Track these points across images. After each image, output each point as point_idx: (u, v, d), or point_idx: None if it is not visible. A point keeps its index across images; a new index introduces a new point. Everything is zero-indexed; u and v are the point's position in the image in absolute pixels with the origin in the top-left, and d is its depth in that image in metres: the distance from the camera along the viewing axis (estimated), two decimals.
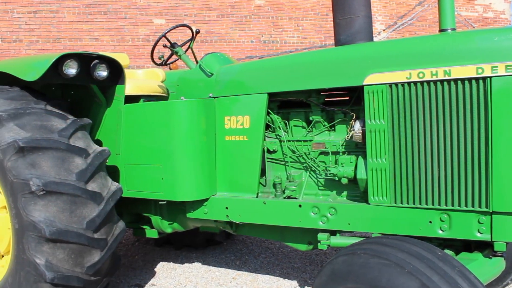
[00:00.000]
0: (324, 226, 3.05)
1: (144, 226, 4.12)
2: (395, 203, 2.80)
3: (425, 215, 2.71)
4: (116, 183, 3.49)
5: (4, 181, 3.15)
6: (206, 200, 3.49)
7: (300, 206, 3.13)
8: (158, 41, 3.96)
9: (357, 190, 3.08)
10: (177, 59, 4.21)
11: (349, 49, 3.01)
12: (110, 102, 3.74)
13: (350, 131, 3.06)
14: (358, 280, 2.26)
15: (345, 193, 3.17)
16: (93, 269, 3.17)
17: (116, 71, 3.65)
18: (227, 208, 3.41)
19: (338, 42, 3.15)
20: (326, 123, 3.26)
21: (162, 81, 4.49)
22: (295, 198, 3.26)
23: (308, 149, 3.29)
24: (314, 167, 3.27)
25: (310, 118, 3.30)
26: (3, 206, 3.37)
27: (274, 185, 3.34)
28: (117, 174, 3.69)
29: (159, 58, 4.16)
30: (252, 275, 4.47)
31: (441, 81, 2.58)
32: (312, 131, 3.33)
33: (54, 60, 3.21)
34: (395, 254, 2.25)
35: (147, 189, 3.57)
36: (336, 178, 3.07)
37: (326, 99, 3.31)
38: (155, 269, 4.71)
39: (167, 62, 4.24)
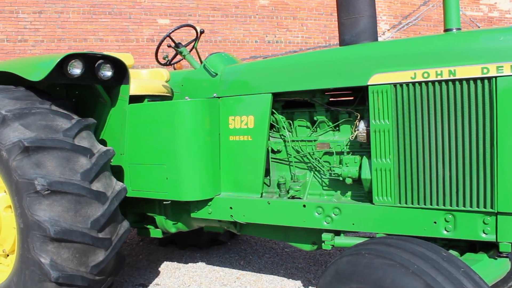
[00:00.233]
0: (328, 226, 3.05)
1: (149, 226, 4.13)
2: (400, 203, 2.79)
3: (430, 216, 2.70)
4: (121, 183, 3.50)
5: (9, 180, 3.16)
6: (210, 200, 3.49)
7: (304, 206, 3.13)
8: (162, 41, 3.96)
9: (361, 190, 3.07)
10: (182, 59, 4.21)
11: (353, 49, 3.00)
12: (114, 102, 3.75)
13: (355, 131, 3.05)
14: (363, 281, 2.26)
15: (349, 193, 3.16)
16: (98, 268, 3.18)
17: (121, 71, 3.65)
18: (231, 208, 3.41)
19: (342, 42, 3.14)
20: (330, 123, 3.26)
21: (166, 81, 4.50)
22: (299, 198, 3.26)
23: (313, 149, 3.29)
24: (319, 167, 3.26)
25: (315, 118, 3.30)
26: (8, 206, 3.39)
27: (278, 185, 3.34)
28: (122, 174, 3.70)
29: (164, 58, 4.16)
30: (256, 275, 4.47)
31: (446, 81, 2.57)
32: (316, 131, 3.33)
33: (59, 60, 3.22)
34: (400, 255, 2.25)
35: (151, 189, 3.58)
36: (341, 178, 3.07)
37: (330, 99, 3.31)
38: (159, 269, 4.72)
39: (172, 62, 4.24)
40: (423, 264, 2.17)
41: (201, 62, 3.78)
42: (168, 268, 4.73)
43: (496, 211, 2.50)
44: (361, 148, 3.10)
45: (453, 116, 2.57)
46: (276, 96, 3.31)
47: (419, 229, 2.73)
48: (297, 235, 3.41)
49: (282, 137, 3.41)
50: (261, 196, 3.36)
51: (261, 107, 3.32)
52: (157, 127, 3.50)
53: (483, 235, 2.56)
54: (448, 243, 2.80)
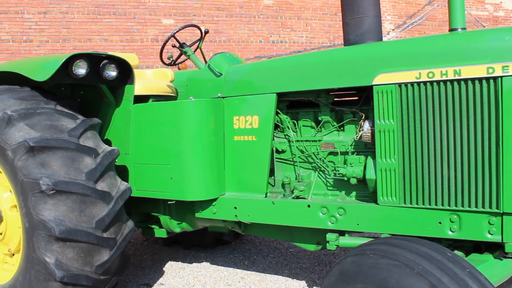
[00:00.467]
0: (333, 226, 3.05)
1: (153, 226, 4.14)
2: (405, 203, 2.79)
3: (435, 216, 2.69)
4: (125, 183, 3.51)
5: (14, 180, 3.17)
6: (214, 200, 3.50)
7: (308, 206, 3.12)
8: (167, 41, 3.97)
9: (366, 191, 3.07)
10: (186, 59, 4.21)
11: (358, 49, 3.00)
12: (119, 102, 3.76)
13: (359, 131, 3.05)
14: (367, 281, 2.25)
15: (354, 193, 3.16)
16: (102, 268, 3.19)
17: (125, 71, 3.66)
18: (235, 208, 3.41)
19: (347, 42, 3.14)
20: (335, 123, 3.25)
21: (171, 81, 4.51)
22: (304, 198, 3.25)
23: (317, 149, 3.28)
24: (323, 167, 3.26)
25: (319, 118, 3.30)
26: (14, 205, 3.40)
27: (283, 185, 3.34)
28: (126, 174, 3.71)
29: (168, 58, 4.17)
30: (260, 275, 4.47)
31: (451, 81, 2.56)
32: (321, 131, 3.32)
33: (64, 60, 3.23)
34: (405, 255, 2.24)
35: (156, 189, 3.58)
36: (345, 178, 3.06)
37: (335, 99, 3.30)
38: (164, 269, 4.72)
39: (176, 62, 4.25)
40: (428, 265, 2.16)
41: (206, 62, 3.78)
42: (172, 268, 4.73)
43: (501, 212, 2.49)
44: (366, 148, 3.09)
45: (458, 116, 2.56)
46: (280, 96, 3.31)
47: (424, 229, 2.72)
48: (301, 235, 3.41)
49: (287, 137, 3.41)
50: (266, 196, 3.36)
51: (265, 107, 3.32)
52: (161, 127, 3.50)
53: (489, 236, 2.55)
54: (453, 244, 2.79)
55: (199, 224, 3.96)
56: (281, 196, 3.38)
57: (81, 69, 3.38)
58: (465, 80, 2.52)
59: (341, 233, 3.10)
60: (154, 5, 11.74)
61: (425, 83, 2.64)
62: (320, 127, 3.31)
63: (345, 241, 3.07)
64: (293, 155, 3.39)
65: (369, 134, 2.93)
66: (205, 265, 4.81)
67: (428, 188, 2.70)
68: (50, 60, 3.38)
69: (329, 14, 13.46)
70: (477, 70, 2.48)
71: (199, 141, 3.40)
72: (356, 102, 3.20)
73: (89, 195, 3.13)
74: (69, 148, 3.20)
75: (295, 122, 3.41)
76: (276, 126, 3.42)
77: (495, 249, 2.71)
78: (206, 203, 3.53)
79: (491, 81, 2.45)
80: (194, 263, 4.86)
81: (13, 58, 10.31)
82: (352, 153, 3.12)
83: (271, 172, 3.43)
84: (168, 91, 4.19)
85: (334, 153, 3.22)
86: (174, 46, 4.03)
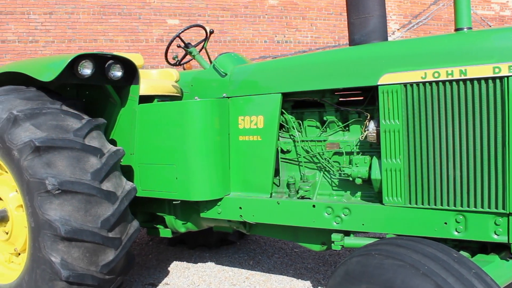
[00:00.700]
0: (338, 226, 3.04)
1: (158, 226, 4.15)
2: (410, 203, 2.78)
3: (440, 216, 2.68)
4: (131, 183, 3.52)
5: (20, 180, 3.19)
6: (220, 200, 3.50)
7: (314, 206, 3.12)
8: (172, 41, 3.98)
9: (371, 191, 3.06)
10: (191, 59, 4.22)
11: (363, 49, 2.99)
12: (124, 102, 3.77)
13: (364, 131, 3.04)
14: (372, 281, 2.25)
15: (359, 193, 3.15)
16: (108, 267, 3.20)
17: (131, 71, 3.67)
18: (240, 208, 3.41)
19: (352, 41, 3.13)
20: (340, 123, 3.25)
21: (176, 81, 4.51)
22: (309, 198, 3.25)
23: (322, 149, 3.28)
24: (328, 167, 3.26)
25: (324, 118, 3.29)
26: (20, 205, 3.42)
27: (288, 185, 3.33)
28: (132, 174, 3.72)
29: (173, 58, 4.18)
30: (265, 275, 4.47)
31: (457, 81, 2.55)
32: (326, 131, 3.32)
33: (69, 60, 3.24)
34: (410, 255, 2.23)
35: (161, 189, 3.59)
36: (350, 179, 3.05)
37: (340, 99, 3.29)
38: (169, 269, 4.73)
39: (181, 62, 4.25)
40: (434, 265, 2.15)
41: (211, 62, 3.79)
42: (177, 268, 4.74)
43: (508, 212, 2.47)
44: (371, 148, 3.08)
45: (464, 116, 2.55)
46: (285, 96, 3.31)
47: (429, 229, 2.71)
48: (306, 235, 3.41)
49: (292, 137, 3.41)
50: (271, 196, 3.35)
51: (270, 107, 3.32)
52: (167, 127, 3.51)
53: (495, 236, 2.54)
54: (459, 244, 2.77)
55: (204, 224, 3.97)
56: (286, 196, 3.37)
57: (86, 69, 3.39)
58: (471, 80, 2.51)
59: (346, 233, 3.09)
60: (159, 6, 11.77)
61: (430, 83, 2.63)
62: (325, 127, 3.31)
63: (350, 241, 3.06)
64: (298, 155, 3.38)
65: (374, 134, 2.92)
66: (210, 265, 4.81)
67: (433, 188, 2.69)
68: (55, 61, 3.40)
69: (334, 14, 13.45)
70: (483, 70, 2.47)
71: (204, 141, 3.40)
72: (361, 102, 3.19)
73: (94, 195, 3.14)
74: (75, 148, 3.21)
75: (300, 122, 3.41)
76: (281, 126, 3.42)
77: (502, 249, 2.70)
78: (211, 203, 3.53)
79: (497, 80, 2.44)
80: (199, 263, 4.86)
81: (19, 58, 10.36)
82: (357, 153, 3.12)
83: (276, 172, 3.43)
84: (173, 91, 4.19)
85: (339, 153, 3.21)
86: (179, 46, 4.04)
